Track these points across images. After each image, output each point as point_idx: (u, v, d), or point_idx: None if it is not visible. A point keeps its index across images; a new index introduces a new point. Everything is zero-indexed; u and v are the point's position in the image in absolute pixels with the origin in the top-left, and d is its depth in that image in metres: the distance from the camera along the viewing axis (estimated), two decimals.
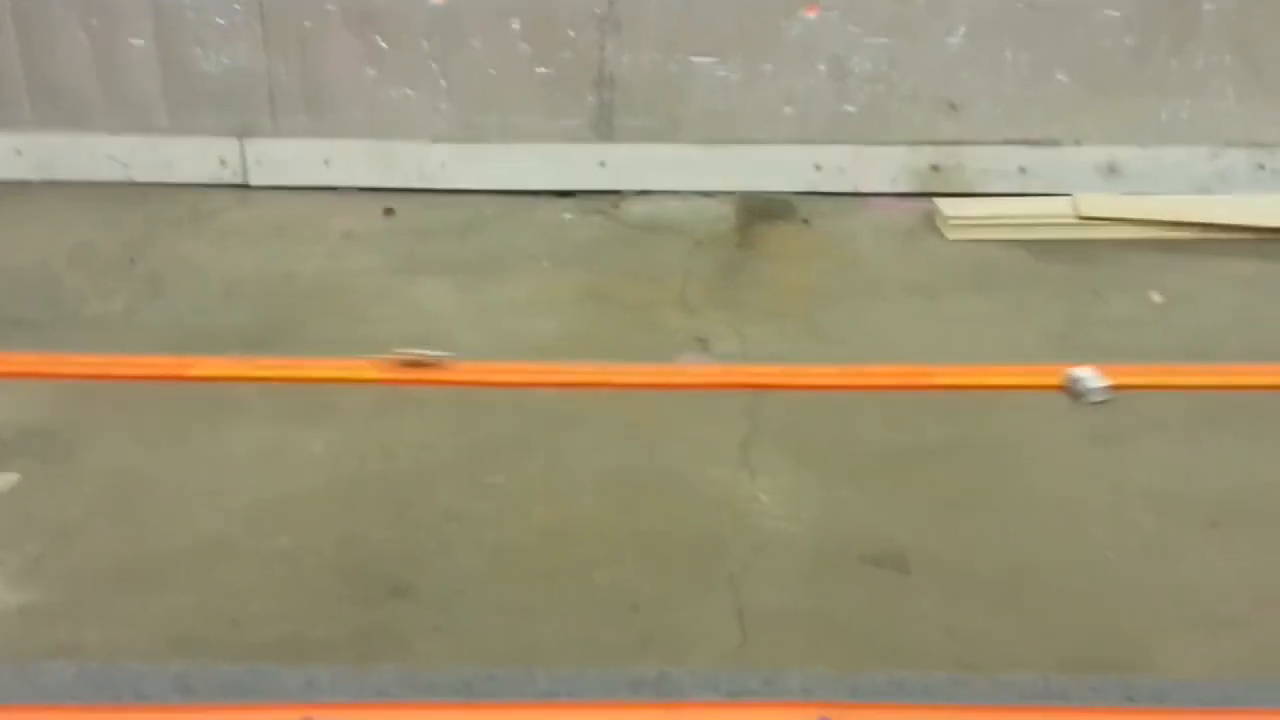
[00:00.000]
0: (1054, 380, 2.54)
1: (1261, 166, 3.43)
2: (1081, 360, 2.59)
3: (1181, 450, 2.36)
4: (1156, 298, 2.92)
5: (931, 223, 3.36)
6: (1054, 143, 3.45)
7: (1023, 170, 3.45)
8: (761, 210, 3.47)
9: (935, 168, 3.48)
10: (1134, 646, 1.85)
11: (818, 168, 3.50)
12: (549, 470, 2.31)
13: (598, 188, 3.54)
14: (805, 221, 3.41)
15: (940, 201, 3.37)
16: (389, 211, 3.41)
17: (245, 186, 3.54)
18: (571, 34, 3.41)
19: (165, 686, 1.67)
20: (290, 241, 3.26)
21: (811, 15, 3.38)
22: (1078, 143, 3.44)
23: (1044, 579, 2.01)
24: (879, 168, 3.49)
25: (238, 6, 3.38)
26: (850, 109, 3.47)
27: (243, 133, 3.50)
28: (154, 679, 1.68)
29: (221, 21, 3.40)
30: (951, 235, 3.27)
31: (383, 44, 3.43)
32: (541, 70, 3.45)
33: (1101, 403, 2.45)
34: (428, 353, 2.55)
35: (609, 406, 2.54)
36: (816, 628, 1.87)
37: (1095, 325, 2.84)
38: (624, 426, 2.46)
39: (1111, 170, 3.44)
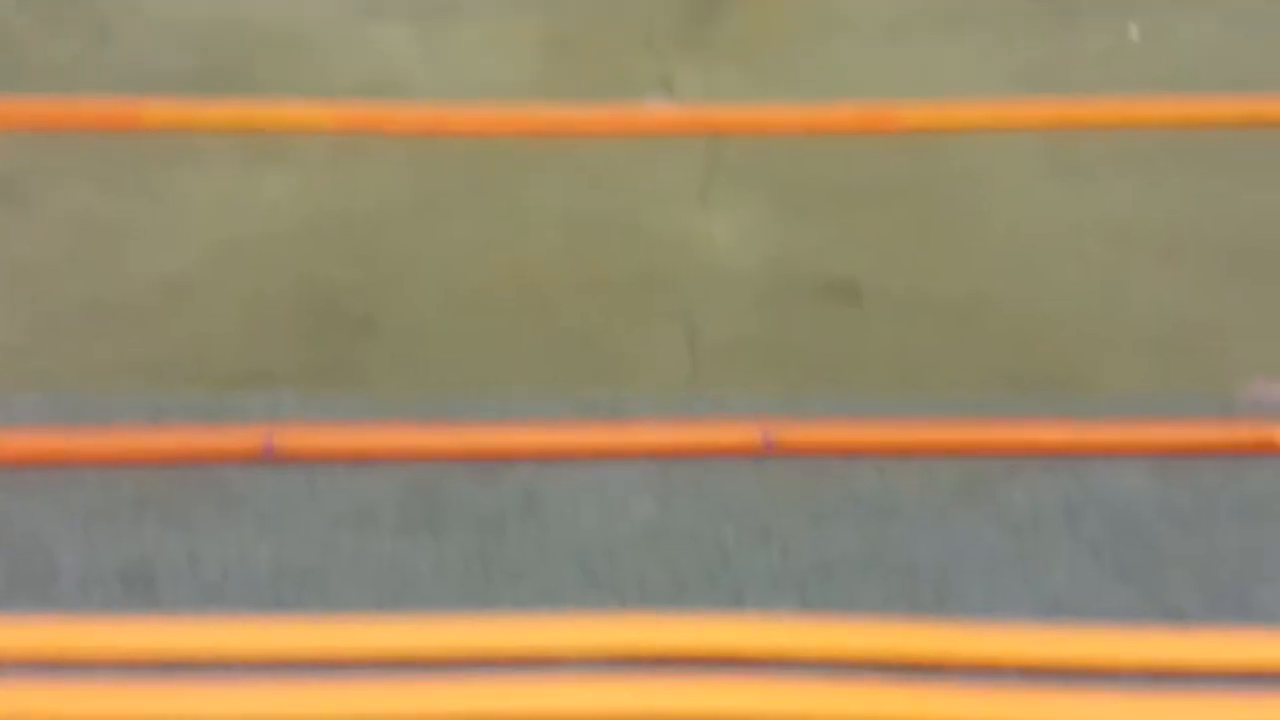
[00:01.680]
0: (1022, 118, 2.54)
1: None
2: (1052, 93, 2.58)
3: (1143, 185, 2.36)
4: (1134, 33, 2.85)
5: None
6: None
7: None
8: None
9: None
10: (1080, 369, 1.92)
11: None
12: (508, 215, 2.31)
13: None
14: None
15: None
16: None
17: None
18: None
19: (136, 412, 1.72)
20: None
21: None
22: None
23: (996, 307, 2.05)
24: None
25: None
26: None
27: None
28: (124, 406, 1.74)
29: None
30: None
31: None
32: None
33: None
34: None
35: (569, 151, 2.51)
36: (766, 356, 1.92)
37: (1071, 61, 2.79)
38: (583, 171, 2.44)
39: None
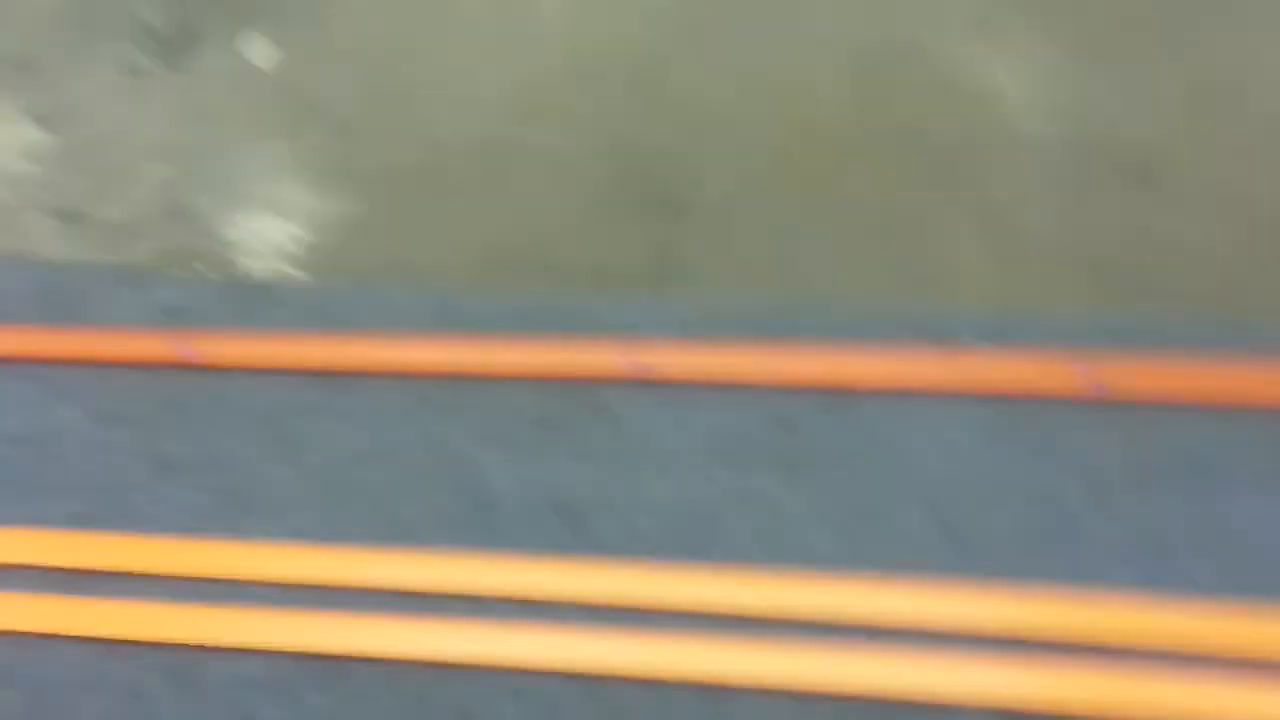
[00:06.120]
0: None
1: None
2: None
3: None
4: None
5: None
6: None
7: None
8: None
9: None
10: None
11: None
12: (799, 44, 2.28)
13: None
14: None
15: None
16: None
17: None
18: None
19: (502, 313, 1.87)
20: None
21: None
22: None
23: None
24: None
25: None
26: None
27: None
28: (486, 305, 1.89)
29: None
30: None
31: None
32: None
33: None
34: None
35: None
36: (1072, 257, 1.96)
37: None
38: None
39: None
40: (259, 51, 2.26)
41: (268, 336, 1.82)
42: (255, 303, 1.89)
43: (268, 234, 2.00)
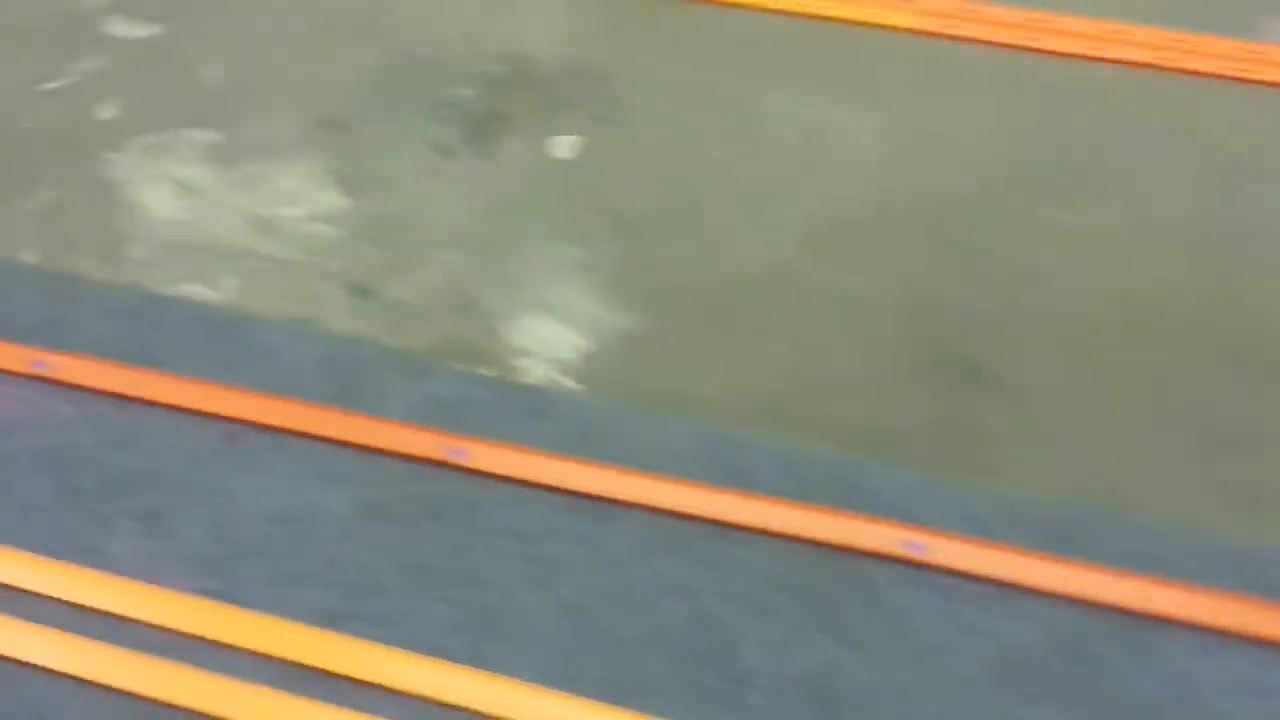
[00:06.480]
0: None
1: None
2: None
3: None
4: None
5: None
6: None
7: None
8: None
9: None
10: None
11: None
12: (1122, 208, 2.12)
13: None
14: None
15: None
16: None
17: None
18: None
19: (774, 468, 1.77)
20: None
21: None
22: None
23: None
24: None
25: None
26: None
27: None
28: (761, 458, 1.79)
29: None
30: None
31: None
32: None
33: None
34: None
35: (1175, 100, 2.25)
36: None
37: None
38: (1196, 141, 2.19)
39: None
40: (563, 148, 2.25)
41: (536, 451, 1.77)
42: (526, 409, 1.84)
43: (548, 339, 1.96)
